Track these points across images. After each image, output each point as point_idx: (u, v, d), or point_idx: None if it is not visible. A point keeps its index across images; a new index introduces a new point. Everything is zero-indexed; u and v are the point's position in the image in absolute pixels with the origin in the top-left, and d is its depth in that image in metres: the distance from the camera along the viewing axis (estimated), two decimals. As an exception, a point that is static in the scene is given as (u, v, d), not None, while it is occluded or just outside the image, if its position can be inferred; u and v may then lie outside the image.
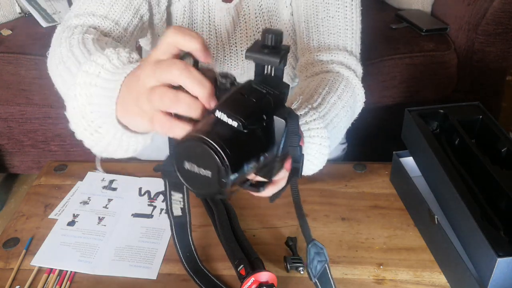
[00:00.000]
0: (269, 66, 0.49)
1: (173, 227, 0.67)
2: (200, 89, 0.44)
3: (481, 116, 0.78)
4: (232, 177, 0.41)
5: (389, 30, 1.49)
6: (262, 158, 0.46)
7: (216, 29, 0.90)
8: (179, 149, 0.42)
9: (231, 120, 0.42)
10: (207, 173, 0.41)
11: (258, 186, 0.52)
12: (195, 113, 0.45)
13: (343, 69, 0.77)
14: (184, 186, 0.53)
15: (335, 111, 0.69)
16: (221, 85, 0.46)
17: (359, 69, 0.80)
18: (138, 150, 0.61)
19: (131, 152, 0.61)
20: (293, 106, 0.64)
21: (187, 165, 0.42)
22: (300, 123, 0.60)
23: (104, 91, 0.53)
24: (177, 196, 0.65)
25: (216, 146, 0.40)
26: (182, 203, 0.66)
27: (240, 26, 0.90)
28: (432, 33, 1.45)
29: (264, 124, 0.46)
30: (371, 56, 1.34)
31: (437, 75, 1.40)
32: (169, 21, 0.89)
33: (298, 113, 0.63)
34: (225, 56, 0.94)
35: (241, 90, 0.45)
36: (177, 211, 0.66)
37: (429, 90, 1.41)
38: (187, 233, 0.69)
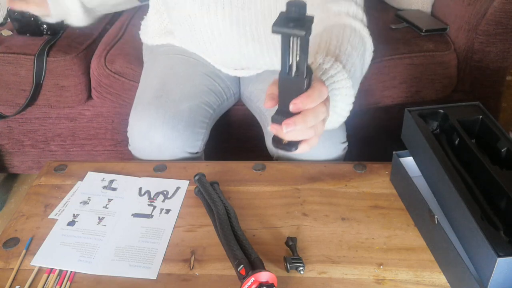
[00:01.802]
0: (295, 38, 0.51)
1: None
2: None
3: (481, 116, 0.78)
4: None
5: (389, 30, 1.49)
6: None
7: None
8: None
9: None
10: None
11: (290, 146, 0.58)
12: None
13: (350, 20, 0.77)
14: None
15: (352, 61, 0.69)
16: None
17: (365, 18, 0.80)
18: None
19: None
20: (319, 60, 0.65)
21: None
22: (325, 77, 0.63)
23: None
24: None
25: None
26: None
27: None
28: (432, 33, 1.45)
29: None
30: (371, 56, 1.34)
31: (437, 75, 1.39)
32: None
33: (324, 67, 0.65)
34: None
35: None
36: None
37: (429, 90, 1.41)
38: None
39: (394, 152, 0.83)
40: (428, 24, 1.48)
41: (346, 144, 1.01)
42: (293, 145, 0.59)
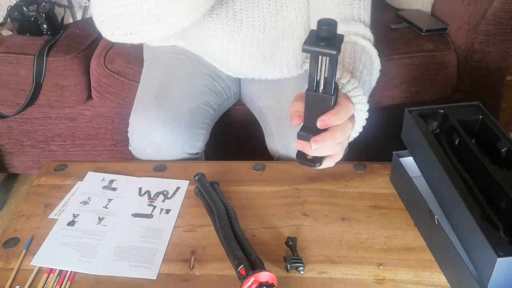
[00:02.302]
0: (325, 56, 0.51)
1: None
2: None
3: (481, 116, 0.78)
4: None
5: (389, 30, 1.49)
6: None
7: None
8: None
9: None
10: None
11: (315, 161, 0.59)
12: None
13: (359, 39, 0.80)
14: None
15: (363, 79, 0.72)
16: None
17: (372, 38, 0.82)
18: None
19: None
20: (337, 76, 0.67)
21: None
22: (343, 91, 0.65)
23: None
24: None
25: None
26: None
27: None
28: (432, 33, 1.45)
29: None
30: (371, 56, 1.34)
31: (437, 75, 1.39)
32: None
33: (341, 81, 0.67)
34: None
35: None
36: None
37: (429, 90, 1.41)
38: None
39: (394, 152, 0.83)
40: (428, 24, 1.48)
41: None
42: (318, 160, 0.59)
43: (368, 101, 0.71)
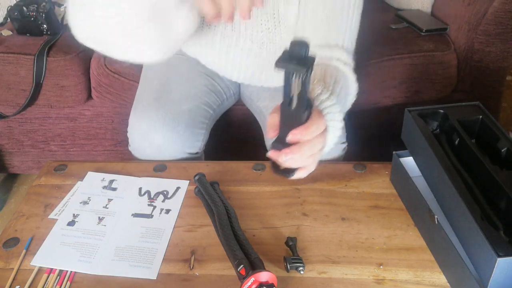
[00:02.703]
0: (297, 74, 0.53)
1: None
2: None
3: (481, 116, 0.78)
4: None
5: (389, 30, 1.49)
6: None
7: None
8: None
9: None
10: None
11: (288, 172, 0.62)
12: None
13: (340, 64, 0.83)
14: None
15: (340, 99, 0.74)
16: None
17: (352, 62, 0.85)
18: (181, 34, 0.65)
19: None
20: (317, 91, 0.70)
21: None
22: (322, 107, 0.68)
23: None
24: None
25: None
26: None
27: None
28: (432, 33, 1.45)
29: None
30: (371, 56, 1.34)
31: (437, 75, 1.39)
32: None
33: (321, 97, 0.70)
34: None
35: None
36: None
37: (429, 90, 1.41)
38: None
39: (394, 152, 0.83)
40: (428, 24, 1.48)
41: (346, 144, 1.01)
42: (291, 171, 0.63)
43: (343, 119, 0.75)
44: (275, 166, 0.63)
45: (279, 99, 1.15)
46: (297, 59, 0.52)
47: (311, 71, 0.53)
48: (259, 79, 1.06)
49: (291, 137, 0.59)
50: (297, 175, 0.64)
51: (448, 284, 0.68)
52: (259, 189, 0.86)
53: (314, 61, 0.53)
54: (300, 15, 0.89)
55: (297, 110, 0.57)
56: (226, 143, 1.40)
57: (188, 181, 0.88)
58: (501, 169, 0.68)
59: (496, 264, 0.56)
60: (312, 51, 0.60)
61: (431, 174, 0.75)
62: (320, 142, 0.61)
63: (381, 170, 0.89)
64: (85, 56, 1.41)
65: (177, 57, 1.11)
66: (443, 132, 0.80)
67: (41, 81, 1.38)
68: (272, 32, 0.93)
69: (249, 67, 1.02)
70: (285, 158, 0.60)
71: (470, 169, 0.71)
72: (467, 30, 1.37)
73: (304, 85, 0.54)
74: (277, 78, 1.03)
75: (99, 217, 0.80)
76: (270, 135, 0.62)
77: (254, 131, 1.24)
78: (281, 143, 0.60)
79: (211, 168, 0.91)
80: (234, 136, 1.39)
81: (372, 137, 1.41)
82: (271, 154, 0.61)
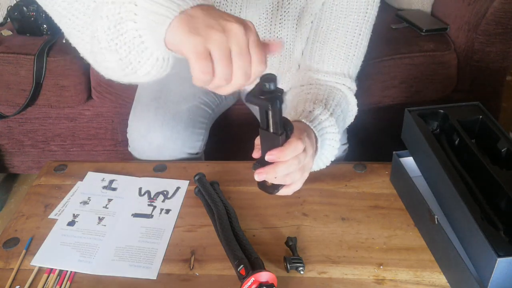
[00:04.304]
0: (267, 107, 0.58)
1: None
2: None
3: (481, 116, 0.78)
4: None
5: (389, 30, 1.49)
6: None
7: None
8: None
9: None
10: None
11: (272, 189, 0.67)
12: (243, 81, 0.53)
13: (341, 86, 0.87)
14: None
15: (339, 123, 0.79)
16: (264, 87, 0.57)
17: (354, 87, 0.89)
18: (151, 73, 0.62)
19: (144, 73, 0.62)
20: (317, 112, 0.76)
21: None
22: (320, 126, 0.74)
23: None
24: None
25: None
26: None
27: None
28: (432, 33, 1.45)
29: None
30: (371, 56, 1.34)
31: (437, 75, 1.39)
32: None
33: (320, 117, 0.76)
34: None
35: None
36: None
37: (429, 90, 1.41)
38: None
39: (394, 152, 0.83)
40: (428, 24, 1.48)
41: (347, 145, 1.01)
42: (275, 188, 0.67)
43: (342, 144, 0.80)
44: (260, 183, 0.68)
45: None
46: (266, 93, 0.57)
47: (281, 102, 0.58)
48: None
49: (267, 157, 0.63)
50: (281, 192, 0.68)
51: (448, 284, 0.68)
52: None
53: (282, 92, 0.58)
54: (308, 45, 0.90)
55: (273, 134, 0.62)
56: (226, 143, 1.40)
57: (188, 181, 0.88)
58: (501, 169, 0.68)
59: (496, 264, 0.56)
60: (314, 76, 0.65)
61: (431, 174, 0.75)
62: (295, 163, 0.64)
63: (381, 170, 0.89)
64: (85, 56, 1.41)
65: (176, 57, 1.11)
66: (443, 132, 0.80)
67: (41, 81, 1.38)
68: (283, 55, 0.94)
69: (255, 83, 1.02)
70: (258, 178, 0.65)
71: (470, 169, 0.71)
72: (467, 30, 1.37)
73: (275, 114, 0.60)
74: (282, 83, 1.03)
75: (99, 217, 0.80)
76: (254, 155, 0.67)
77: (254, 131, 1.23)
78: (260, 162, 0.65)
79: (211, 168, 0.91)
80: (234, 136, 1.39)
81: (372, 137, 1.41)
82: (254, 173, 0.65)
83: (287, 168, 0.64)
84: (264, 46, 0.54)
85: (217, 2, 0.87)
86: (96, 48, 0.59)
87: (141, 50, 0.56)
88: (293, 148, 0.64)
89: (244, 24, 0.51)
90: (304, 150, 0.66)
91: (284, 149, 0.63)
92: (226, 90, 0.54)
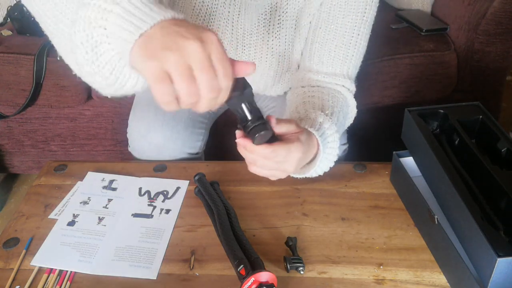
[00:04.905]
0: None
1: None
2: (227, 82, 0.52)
3: (481, 116, 0.78)
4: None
5: (389, 30, 1.49)
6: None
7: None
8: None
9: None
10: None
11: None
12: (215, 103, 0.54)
13: (340, 87, 0.87)
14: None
15: (338, 125, 0.80)
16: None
17: (353, 88, 0.89)
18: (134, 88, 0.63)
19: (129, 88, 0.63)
20: (320, 119, 0.76)
21: None
22: (324, 136, 0.75)
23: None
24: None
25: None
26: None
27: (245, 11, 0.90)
28: (432, 33, 1.45)
29: None
30: (371, 56, 1.34)
31: (437, 75, 1.40)
32: None
33: (324, 125, 0.76)
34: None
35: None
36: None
37: (429, 90, 1.41)
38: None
39: (394, 152, 0.83)
40: (428, 24, 1.48)
41: (347, 146, 1.01)
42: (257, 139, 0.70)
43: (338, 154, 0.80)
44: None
45: (279, 99, 1.15)
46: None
47: (249, 93, 0.60)
48: (264, 91, 1.05)
49: (237, 139, 0.69)
50: (250, 167, 0.71)
51: (448, 284, 0.68)
52: (259, 189, 0.86)
53: (250, 88, 0.60)
54: (307, 46, 0.90)
55: (248, 134, 0.68)
56: (226, 143, 1.40)
57: (188, 181, 0.88)
58: (501, 169, 0.68)
59: (496, 264, 0.56)
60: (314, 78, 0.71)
61: (431, 174, 0.75)
62: (268, 165, 0.68)
63: (381, 170, 0.89)
64: (85, 56, 1.41)
65: None
66: (443, 132, 0.80)
67: (41, 81, 1.38)
68: (282, 56, 0.94)
69: (254, 85, 1.02)
70: (239, 145, 0.70)
71: (470, 169, 0.71)
72: (467, 30, 1.37)
73: (241, 116, 0.66)
74: (280, 89, 1.02)
75: (99, 217, 0.80)
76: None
77: (254, 131, 1.23)
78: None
79: (211, 168, 0.91)
80: (234, 136, 1.39)
81: (372, 137, 1.41)
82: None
83: (262, 167, 0.68)
84: (231, 61, 0.53)
85: (215, 5, 0.87)
86: (83, 72, 0.62)
87: (122, 66, 0.56)
88: (275, 154, 0.66)
89: (203, 39, 0.50)
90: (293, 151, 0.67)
91: (269, 152, 0.66)
92: (202, 107, 0.53)
